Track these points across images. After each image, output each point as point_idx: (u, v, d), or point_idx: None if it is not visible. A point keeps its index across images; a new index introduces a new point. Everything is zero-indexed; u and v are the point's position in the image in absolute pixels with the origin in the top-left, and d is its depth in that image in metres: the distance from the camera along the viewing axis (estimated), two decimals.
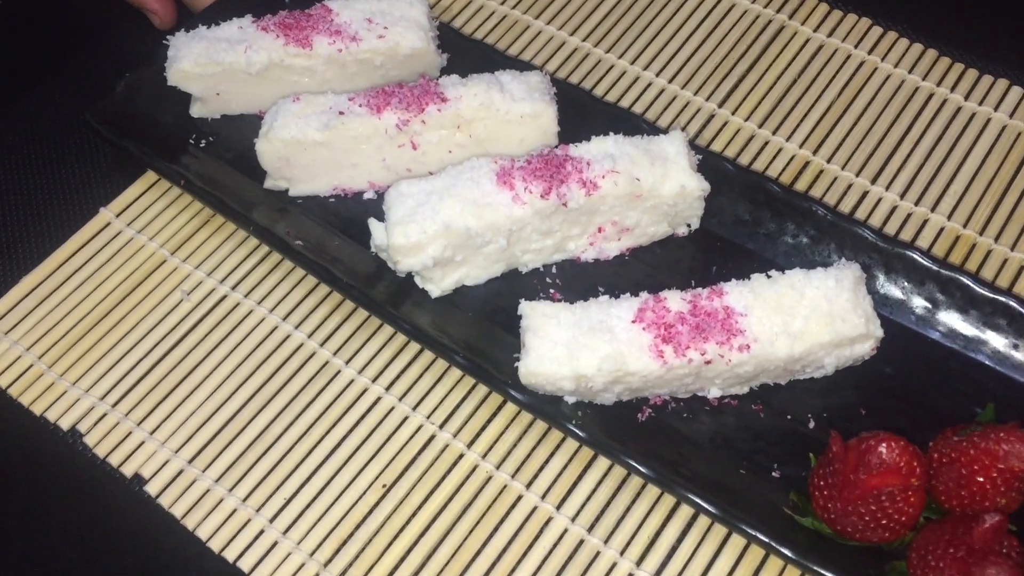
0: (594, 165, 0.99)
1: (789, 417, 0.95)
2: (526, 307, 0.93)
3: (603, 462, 0.95)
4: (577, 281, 1.04)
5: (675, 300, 0.91)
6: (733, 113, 1.18)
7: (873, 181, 1.13)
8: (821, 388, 0.96)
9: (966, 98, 1.18)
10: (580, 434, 0.92)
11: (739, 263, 1.04)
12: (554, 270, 1.05)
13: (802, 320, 0.90)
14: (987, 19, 1.26)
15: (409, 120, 1.03)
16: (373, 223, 1.01)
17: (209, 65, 1.09)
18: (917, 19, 1.24)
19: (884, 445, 0.80)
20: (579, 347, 0.89)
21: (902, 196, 1.12)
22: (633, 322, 0.91)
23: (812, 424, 0.94)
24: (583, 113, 1.12)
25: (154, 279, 1.08)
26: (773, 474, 0.92)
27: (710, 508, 0.87)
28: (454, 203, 0.97)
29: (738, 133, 1.17)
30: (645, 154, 1.00)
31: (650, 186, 0.99)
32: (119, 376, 1.02)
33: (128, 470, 0.97)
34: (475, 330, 1.01)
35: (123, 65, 1.17)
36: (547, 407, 0.93)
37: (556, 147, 1.02)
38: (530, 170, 0.98)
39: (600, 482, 0.95)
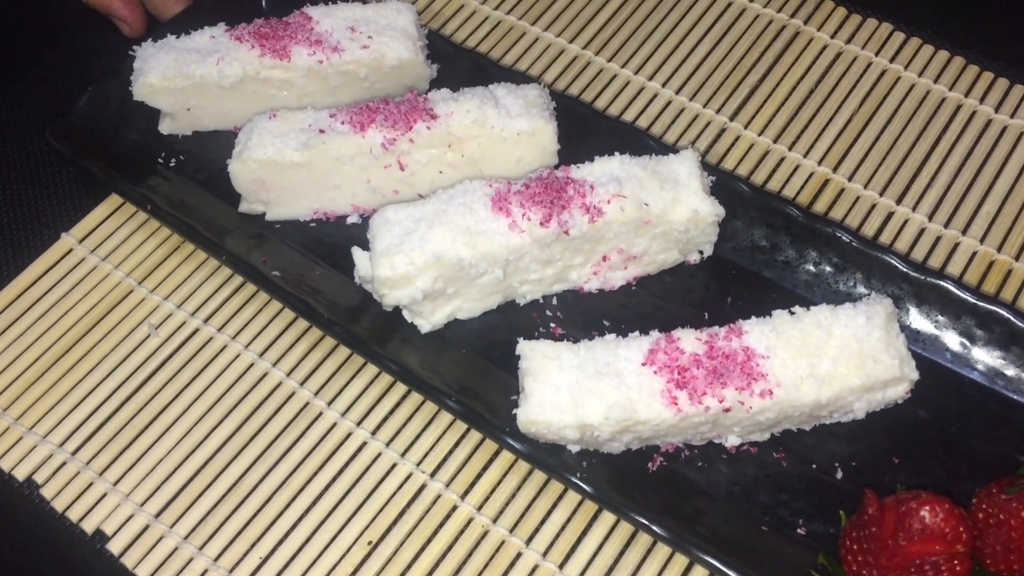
0: (598, 189, 0.91)
1: (814, 466, 0.87)
2: (525, 347, 0.85)
3: (610, 515, 0.87)
4: (580, 314, 0.96)
5: (689, 340, 0.83)
6: (745, 127, 1.11)
7: (898, 201, 1.05)
8: (849, 433, 0.88)
9: (996, 109, 1.10)
10: (585, 488, 0.84)
11: (756, 293, 0.96)
12: (555, 302, 0.97)
13: (830, 362, 0.82)
14: (1018, 24, 1.18)
15: (396, 139, 0.96)
16: (357, 252, 0.93)
17: (178, 78, 1.02)
18: (942, 24, 1.16)
19: (927, 509, 0.72)
20: (584, 393, 0.81)
21: (930, 217, 1.03)
22: (643, 365, 0.82)
23: (840, 474, 0.86)
24: (585, 129, 1.04)
25: (119, 311, 1.01)
26: (799, 531, 0.84)
27: (729, 572, 0.79)
28: (445, 231, 0.89)
29: (751, 149, 1.09)
30: (654, 176, 0.92)
31: (660, 211, 0.91)
32: (80, 420, 0.95)
33: (89, 526, 0.89)
34: (469, 369, 0.93)
35: (87, 77, 1.11)
36: (548, 457, 0.85)
37: (556, 168, 0.94)
38: (528, 194, 0.90)
39: (607, 538, 0.87)
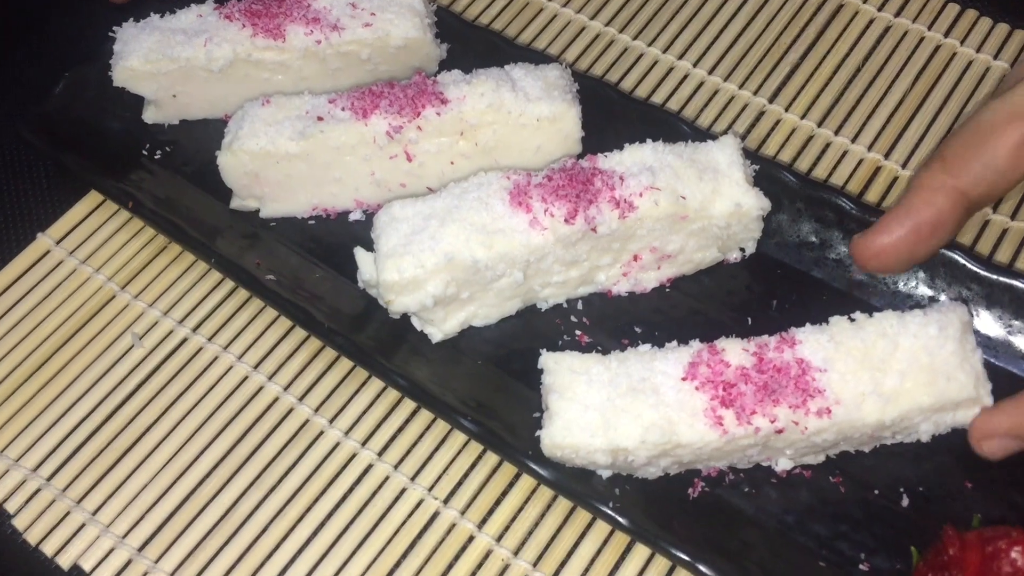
0: (629, 180, 0.81)
1: (876, 491, 0.78)
2: (549, 360, 0.76)
3: (645, 548, 0.78)
4: (608, 319, 0.88)
5: (735, 351, 0.74)
6: (786, 109, 1.02)
7: None
8: (914, 453, 0.79)
9: None
10: (618, 518, 0.75)
11: (804, 295, 0.87)
12: (580, 306, 0.88)
13: (896, 377, 0.73)
14: None
15: (402, 126, 0.88)
16: (360, 253, 0.84)
17: (162, 62, 0.94)
18: None
19: (1019, 550, 0.62)
20: (616, 413, 0.73)
21: (995, 208, 0.93)
22: (683, 380, 0.73)
23: (906, 501, 0.77)
24: (611, 114, 0.95)
25: (101, 319, 0.93)
26: (861, 567, 0.75)
27: None
28: (458, 229, 0.81)
29: (793, 134, 1.00)
30: (691, 165, 0.83)
31: (698, 205, 0.81)
32: (55, 442, 0.87)
33: (65, 560, 0.82)
34: (485, 383, 0.85)
35: (63, 62, 1.02)
36: (576, 483, 0.77)
37: (581, 157, 0.86)
38: (551, 187, 0.81)
39: (642, 572, 0.78)
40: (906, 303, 0.85)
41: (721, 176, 0.83)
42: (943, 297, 0.84)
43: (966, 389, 0.72)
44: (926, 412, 0.73)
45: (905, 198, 0.76)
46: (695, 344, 0.76)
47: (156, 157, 0.98)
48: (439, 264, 0.80)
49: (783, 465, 0.77)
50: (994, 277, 0.83)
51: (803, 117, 1.01)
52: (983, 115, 0.75)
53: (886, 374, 0.73)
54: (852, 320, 0.75)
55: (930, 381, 0.73)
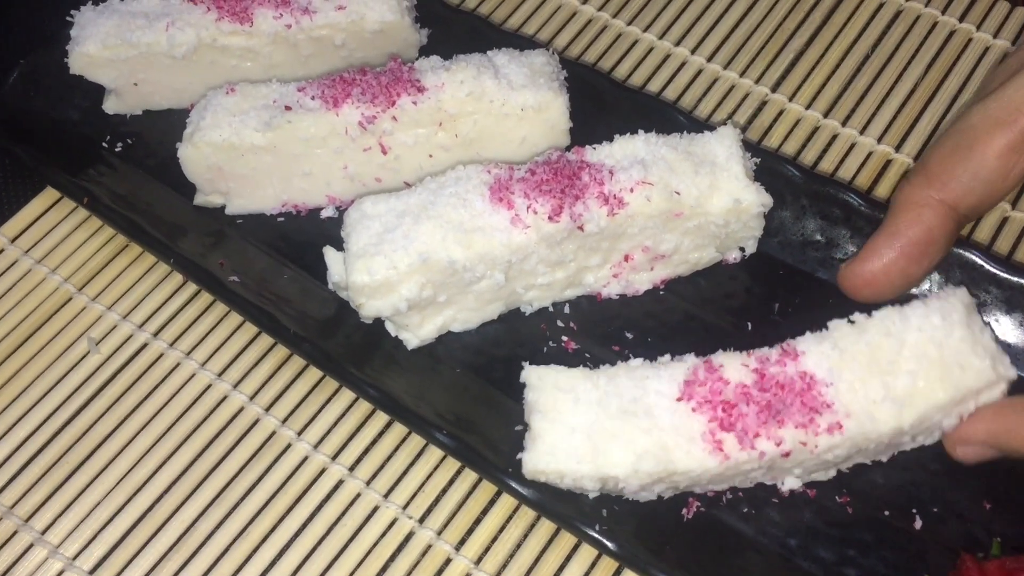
0: (619, 174, 0.76)
1: (887, 513, 0.72)
2: (532, 375, 0.70)
3: (635, 574, 0.72)
4: (597, 324, 0.82)
5: (734, 367, 0.68)
6: (790, 99, 0.97)
7: None
8: (928, 470, 0.74)
9: None
10: (606, 543, 0.69)
11: (808, 298, 0.81)
12: (567, 310, 0.83)
13: (907, 378, 0.67)
14: None
15: (376, 116, 0.83)
16: (329, 253, 0.79)
17: (121, 47, 0.90)
18: None
19: None
20: (606, 437, 0.67)
21: (1013, 205, 0.87)
22: (679, 400, 0.67)
23: (919, 523, 0.71)
24: (601, 103, 0.90)
25: (55, 323, 0.88)
26: None
27: None
28: (434, 227, 0.76)
29: (797, 125, 0.95)
30: (686, 158, 0.77)
31: (693, 201, 0.76)
32: (3, 456, 0.82)
33: None
34: (464, 393, 0.79)
35: (17, 49, 0.98)
36: (560, 505, 0.72)
37: (568, 150, 0.80)
38: (534, 182, 0.76)
39: None
40: (902, 297, 0.79)
41: (719, 170, 0.77)
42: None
43: (984, 374, 0.67)
44: (945, 408, 0.67)
45: (890, 218, 0.73)
46: (690, 359, 0.70)
47: (117, 150, 0.93)
48: (413, 265, 0.74)
49: (791, 484, 0.71)
50: (1012, 277, 0.78)
51: (808, 107, 0.95)
52: (965, 122, 0.72)
53: (896, 376, 0.67)
54: (852, 322, 0.69)
55: (944, 375, 0.67)
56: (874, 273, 0.72)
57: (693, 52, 0.99)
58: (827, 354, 0.68)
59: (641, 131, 0.79)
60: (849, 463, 0.71)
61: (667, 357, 0.70)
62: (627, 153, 0.78)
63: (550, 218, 0.74)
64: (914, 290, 0.79)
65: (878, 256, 0.72)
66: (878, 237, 0.73)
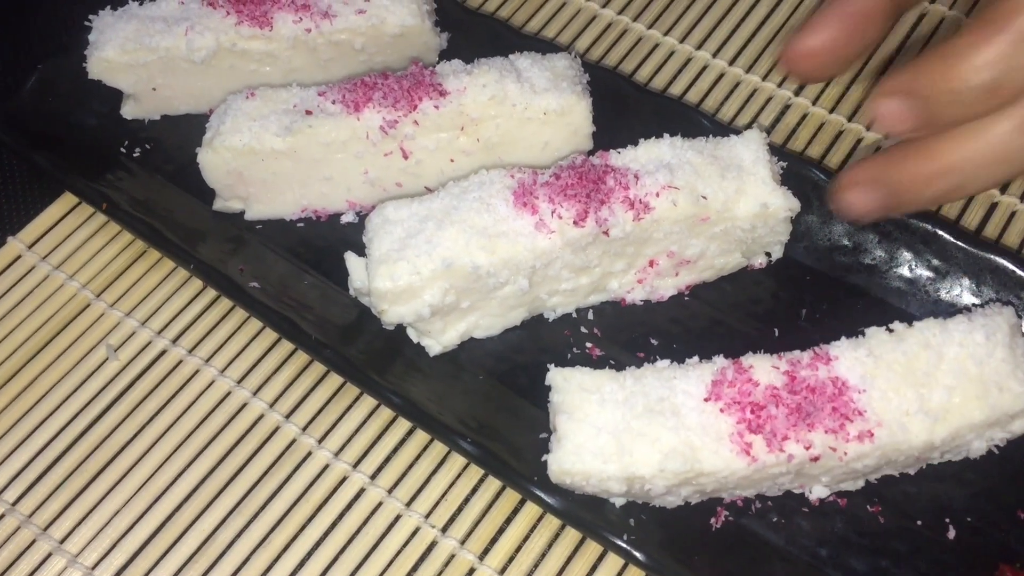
0: (644, 179, 0.75)
1: (920, 522, 0.71)
2: (557, 377, 0.69)
3: None
4: (622, 330, 0.81)
5: (764, 369, 0.67)
6: (814, 103, 0.96)
7: (1003, 191, 0.87)
8: (961, 478, 0.72)
9: None
10: (633, 553, 0.68)
11: (837, 304, 0.80)
12: (591, 316, 0.82)
13: (943, 392, 0.66)
14: None
15: (397, 120, 0.82)
16: (351, 258, 0.79)
17: (140, 52, 0.89)
18: None
19: None
20: (632, 436, 0.66)
21: None
22: (707, 400, 0.66)
23: (952, 532, 0.70)
24: (624, 107, 0.89)
25: (73, 330, 0.87)
26: None
27: None
28: (457, 232, 0.75)
29: (822, 128, 0.94)
30: (712, 162, 0.76)
31: (720, 206, 0.75)
32: (22, 463, 0.81)
33: None
34: (487, 400, 0.78)
35: (35, 54, 0.98)
36: (586, 513, 0.71)
37: (592, 154, 0.79)
38: (559, 187, 0.75)
39: None
40: (948, 311, 0.77)
41: (745, 174, 0.76)
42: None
43: (1021, 399, 0.65)
44: (978, 428, 0.66)
45: None
46: (719, 360, 0.69)
47: (135, 155, 0.93)
48: (436, 271, 0.73)
49: (818, 493, 0.70)
50: None
51: (832, 111, 0.94)
52: None
53: (932, 389, 0.66)
54: (890, 331, 0.69)
55: (981, 393, 0.66)
56: (814, 47, 0.67)
57: (715, 55, 0.98)
58: (861, 360, 0.67)
59: (666, 135, 0.78)
60: (877, 474, 0.70)
61: (695, 359, 0.69)
62: (652, 157, 0.77)
63: (575, 223, 0.73)
64: (961, 308, 0.78)
65: (817, 31, 0.68)
66: (819, 12, 0.69)
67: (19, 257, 0.90)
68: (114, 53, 0.88)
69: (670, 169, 0.75)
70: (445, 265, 0.73)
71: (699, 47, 0.99)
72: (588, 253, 0.76)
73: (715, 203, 0.75)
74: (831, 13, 0.69)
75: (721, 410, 0.66)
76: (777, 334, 0.79)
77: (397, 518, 0.76)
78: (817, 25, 0.69)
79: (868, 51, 0.74)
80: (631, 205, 0.74)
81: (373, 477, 0.78)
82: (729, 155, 0.77)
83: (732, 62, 0.98)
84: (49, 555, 0.76)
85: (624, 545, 0.69)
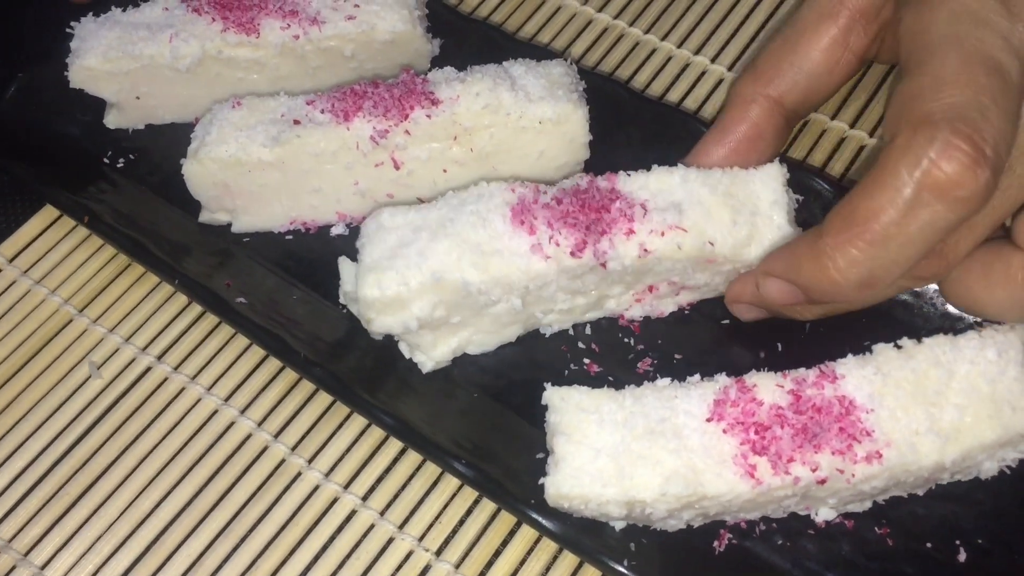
0: (652, 214, 0.72)
1: (929, 545, 0.68)
2: (554, 396, 0.67)
3: None
4: (621, 347, 0.79)
5: (768, 388, 0.64)
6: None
7: None
8: (970, 499, 0.70)
9: None
10: None
11: (841, 318, 0.77)
12: (588, 331, 0.80)
13: (954, 411, 0.64)
14: None
15: (388, 130, 0.80)
16: (344, 263, 0.78)
17: (123, 60, 0.87)
18: None
19: None
20: (633, 459, 0.64)
21: None
22: (709, 421, 0.64)
23: (963, 555, 0.68)
24: (621, 115, 0.87)
25: (55, 346, 0.86)
26: None
27: None
28: (450, 245, 0.72)
29: (824, 135, 0.93)
30: (725, 202, 0.73)
31: (728, 251, 0.72)
32: (1, 486, 0.79)
33: None
34: (482, 420, 0.76)
35: (15, 62, 0.95)
36: (584, 537, 0.69)
37: (599, 177, 0.75)
38: (560, 212, 0.72)
39: None
40: (956, 325, 0.75)
41: (760, 217, 0.72)
42: None
43: None
44: (990, 448, 0.64)
45: (720, 114, 0.74)
46: (721, 378, 0.66)
47: (119, 166, 0.91)
48: (425, 283, 0.71)
49: (824, 515, 0.68)
50: None
51: (834, 117, 0.92)
52: (795, 18, 0.73)
53: (942, 408, 0.64)
54: (899, 348, 0.66)
55: (993, 413, 0.64)
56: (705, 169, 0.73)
57: (713, 61, 0.96)
58: (869, 379, 0.65)
59: (680, 165, 0.74)
60: (885, 495, 0.68)
61: (696, 377, 0.67)
62: (663, 188, 0.72)
63: (572, 253, 0.70)
64: (968, 321, 0.76)
65: (706, 153, 0.73)
66: (708, 134, 0.73)
67: None
68: (96, 61, 0.85)
69: (679, 209, 0.71)
70: (435, 279, 0.71)
71: (697, 52, 0.97)
72: (584, 280, 0.73)
73: (723, 248, 0.71)
74: (719, 133, 0.74)
75: (724, 431, 0.63)
76: (780, 348, 0.76)
77: (390, 541, 0.74)
78: (706, 148, 0.74)
79: (771, 159, 0.76)
80: (633, 240, 0.71)
81: (364, 498, 0.76)
82: (745, 193, 0.73)
83: (731, 68, 0.96)
84: None
85: (624, 571, 0.67)
